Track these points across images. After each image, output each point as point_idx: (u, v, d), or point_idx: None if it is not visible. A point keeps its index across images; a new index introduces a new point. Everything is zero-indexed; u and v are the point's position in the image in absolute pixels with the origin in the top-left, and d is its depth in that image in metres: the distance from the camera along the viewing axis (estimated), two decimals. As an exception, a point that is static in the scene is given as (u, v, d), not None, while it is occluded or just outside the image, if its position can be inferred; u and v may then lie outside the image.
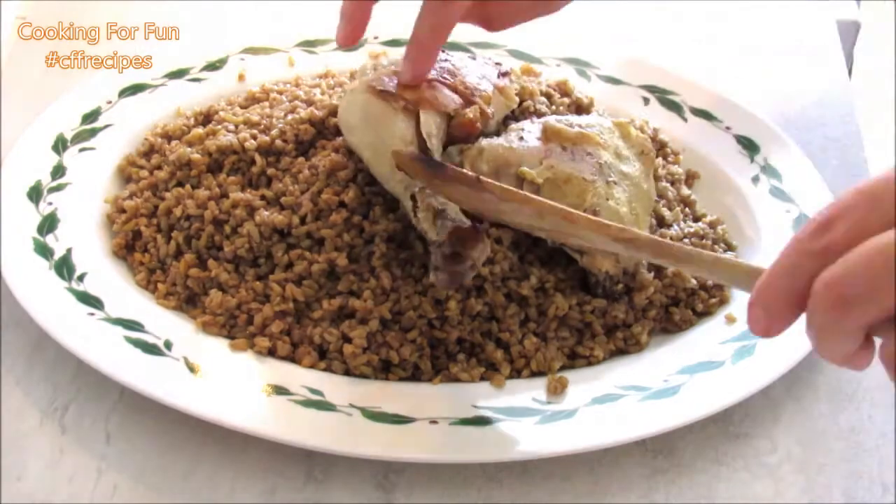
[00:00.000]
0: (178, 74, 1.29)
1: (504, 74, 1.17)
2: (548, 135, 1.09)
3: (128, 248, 1.12)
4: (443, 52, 1.16)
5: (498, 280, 1.06)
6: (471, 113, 1.09)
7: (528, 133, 1.10)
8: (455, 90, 1.11)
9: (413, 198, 1.04)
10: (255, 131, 1.16)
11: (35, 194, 1.14)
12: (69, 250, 1.09)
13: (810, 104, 1.38)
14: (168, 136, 1.20)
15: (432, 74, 1.10)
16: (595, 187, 1.06)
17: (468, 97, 1.11)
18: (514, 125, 1.13)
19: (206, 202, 1.10)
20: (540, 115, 1.18)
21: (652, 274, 1.09)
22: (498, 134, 1.12)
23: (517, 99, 1.17)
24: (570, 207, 1.05)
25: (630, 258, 1.07)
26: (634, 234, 0.90)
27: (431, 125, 1.07)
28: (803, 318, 0.74)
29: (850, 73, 1.48)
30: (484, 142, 1.10)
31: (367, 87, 1.08)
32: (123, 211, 1.14)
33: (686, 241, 1.14)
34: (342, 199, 1.08)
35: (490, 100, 1.13)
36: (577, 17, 1.49)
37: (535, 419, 0.99)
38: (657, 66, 1.35)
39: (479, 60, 1.17)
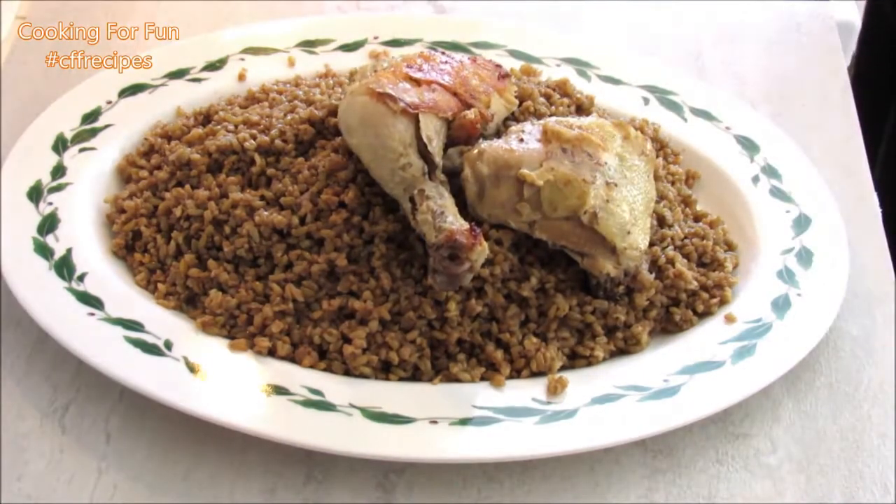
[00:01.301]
0: (178, 74, 1.29)
1: (504, 76, 1.17)
2: (548, 136, 1.09)
3: (128, 249, 1.12)
4: (443, 54, 1.16)
5: (498, 281, 1.05)
6: (472, 114, 1.09)
7: (528, 135, 1.10)
8: (455, 93, 1.11)
9: (412, 200, 1.04)
10: (254, 131, 1.16)
11: (35, 194, 1.14)
12: (69, 250, 1.09)
13: (810, 104, 1.38)
14: (168, 136, 1.20)
15: (433, 77, 1.10)
16: (595, 189, 1.06)
17: (468, 100, 1.11)
18: (513, 127, 1.13)
19: (206, 202, 1.10)
20: (540, 115, 1.18)
21: (653, 275, 1.09)
22: (498, 135, 1.12)
23: (517, 101, 1.17)
24: (570, 210, 1.05)
25: (631, 259, 1.07)
26: None
27: (431, 129, 1.07)
28: None
29: (850, 72, 1.48)
30: (484, 144, 1.10)
31: (367, 89, 1.08)
32: (123, 211, 1.14)
33: (686, 241, 1.14)
34: (342, 200, 1.08)
35: (490, 102, 1.13)
36: (577, 17, 1.50)
37: (535, 419, 0.99)
38: (657, 65, 1.35)
39: (479, 62, 1.17)
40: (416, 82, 1.09)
